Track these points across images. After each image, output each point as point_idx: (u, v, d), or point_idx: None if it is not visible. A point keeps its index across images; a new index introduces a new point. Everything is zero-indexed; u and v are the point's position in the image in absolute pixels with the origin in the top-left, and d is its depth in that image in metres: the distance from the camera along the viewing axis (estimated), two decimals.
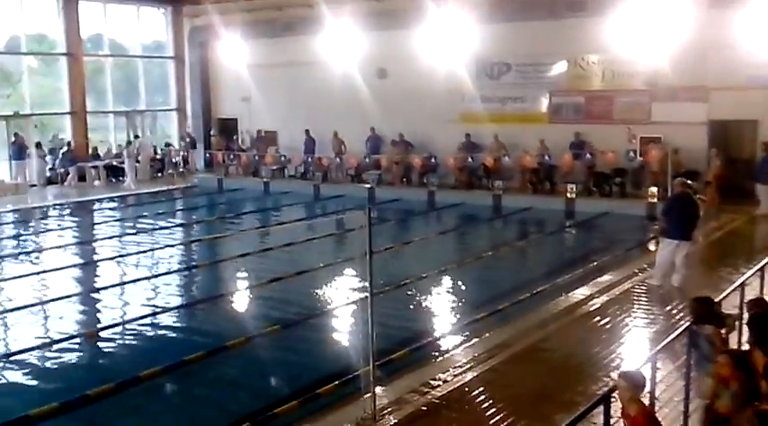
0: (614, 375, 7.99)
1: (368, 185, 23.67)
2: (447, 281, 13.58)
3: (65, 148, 26.73)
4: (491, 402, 7.70)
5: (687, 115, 20.35)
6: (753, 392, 5.79)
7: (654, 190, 19.01)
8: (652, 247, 14.95)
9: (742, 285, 8.19)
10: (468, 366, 8.75)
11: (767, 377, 5.91)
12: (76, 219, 21.58)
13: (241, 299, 13.23)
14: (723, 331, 7.26)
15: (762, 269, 9.06)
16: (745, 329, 7.47)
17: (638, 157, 20.74)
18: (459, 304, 12.20)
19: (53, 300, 12.67)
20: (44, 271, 14.76)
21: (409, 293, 12.58)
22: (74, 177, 26.18)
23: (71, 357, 10.41)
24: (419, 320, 11.37)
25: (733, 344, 7.64)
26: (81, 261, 16.03)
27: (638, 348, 9.33)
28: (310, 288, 12.97)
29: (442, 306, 12.23)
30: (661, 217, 12.14)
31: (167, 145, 30.27)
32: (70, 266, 15.30)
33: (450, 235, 19.28)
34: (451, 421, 7.31)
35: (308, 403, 7.99)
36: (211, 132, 29.69)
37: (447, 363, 8.93)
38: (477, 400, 7.80)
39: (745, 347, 7.30)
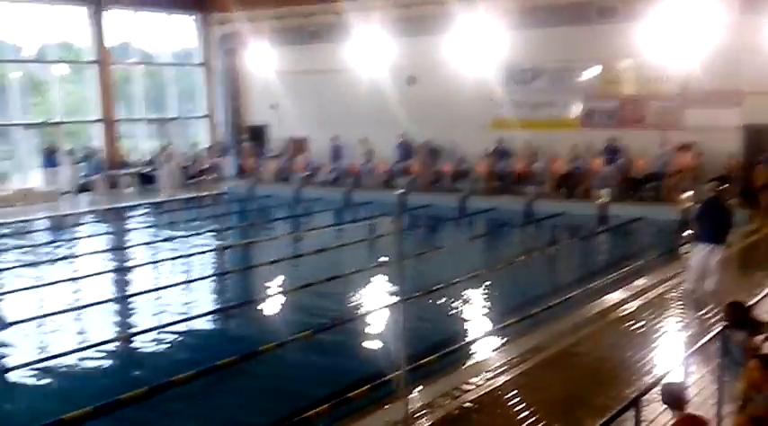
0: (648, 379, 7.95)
1: (399, 191, 23.67)
2: (478, 286, 13.54)
3: (96, 156, 27.07)
4: (523, 406, 7.68)
5: (720, 120, 20.14)
6: None
7: (688, 194, 18.81)
8: (685, 252, 14.82)
9: None
10: (500, 370, 8.74)
11: None
12: (109, 226, 21.87)
13: (273, 304, 13.30)
14: (760, 337, 7.18)
15: None
16: None
17: (671, 162, 20.52)
18: (491, 309, 12.18)
19: (87, 306, 12.82)
20: (78, 278, 14.98)
21: (441, 298, 12.57)
22: (105, 184, 26.51)
23: (104, 361, 10.53)
24: (451, 324, 11.37)
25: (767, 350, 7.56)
26: (114, 266, 16.21)
27: (670, 352, 9.25)
28: (342, 294, 13.02)
29: (473, 310, 12.21)
30: (693, 222, 12.03)
31: (198, 153, 30.55)
32: (104, 272, 15.49)
33: (482, 240, 19.28)
34: (484, 425, 7.28)
35: (340, 407, 8.02)
36: (243, 139, 29.84)
37: (479, 367, 8.93)
38: (509, 404, 7.78)
39: None
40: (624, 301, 11.48)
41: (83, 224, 21.96)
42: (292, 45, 27.95)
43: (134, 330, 11.65)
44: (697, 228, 11.77)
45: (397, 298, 7.42)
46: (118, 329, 11.78)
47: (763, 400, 5.25)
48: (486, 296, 13.07)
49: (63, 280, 14.61)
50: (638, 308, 11.09)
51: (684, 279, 12.16)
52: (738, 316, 6.79)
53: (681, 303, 11.34)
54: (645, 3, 20.47)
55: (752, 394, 5.87)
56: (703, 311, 10.76)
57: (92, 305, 12.83)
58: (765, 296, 8.01)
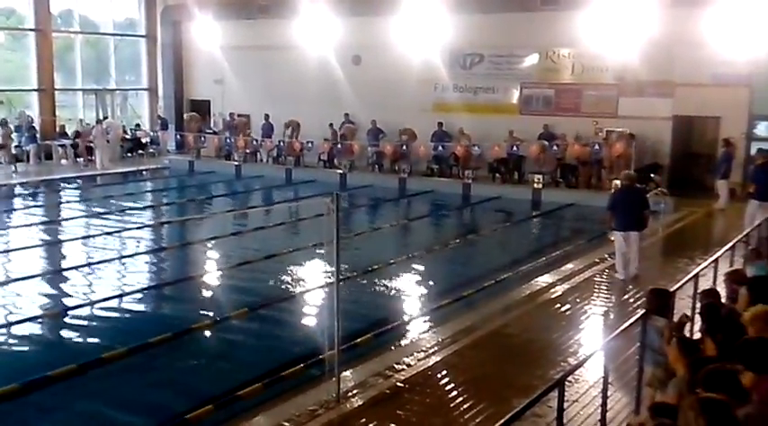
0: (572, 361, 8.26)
1: (340, 171, 23.83)
2: (414, 268, 13.77)
3: (31, 125, 26.42)
4: (453, 385, 7.93)
5: (653, 110, 20.71)
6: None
7: (617, 182, 19.32)
8: (612, 238, 15.31)
9: (696, 276, 8.49)
10: (432, 350, 8.96)
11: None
12: (43, 198, 21.45)
13: (209, 282, 13.28)
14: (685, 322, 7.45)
15: (716, 261, 9.38)
16: (698, 319, 7.74)
17: (603, 150, 21.00)
18: (426, 290, 12.41)
19: (16, 280, 12.65)
20: (8, 251, 14.73)
21: (377, 279, 12.74)
22: (37, 155, 25.90)
23: (34, 337, 10.45)
24: (385, 305, 11.57)
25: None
26: (47, 240, 15.97)
27: (594, 334, 9.62)
28: (278, 273, 13.08)
29: (408, 291, 12.42)
30: (606, 212, 12.44)
31: (137, 126, 30.10)
32: (36, 246, 15.26)
33: (420, 222, 19.53)
34: (414, 404, 7.49)
35: (273, 386, 8.11)
36: (188, 113, 29.23)
37: (411, 348, 9.13)
38: (440, 383, 8.02)
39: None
40: (553, 284, 11.84)
41: (15, 195, 21.48)
42: (238, 20, 27.68)
43: (65, 306, 11.50)
44: (611, 217, 12.17)
45: (333, 278, 7.54)
46: (49, 305, 11.61)
47: (673, 387, 5.50)
48: (421, 277, 13.28)
49: None
50: (565, 292, 11.45)
51: (611, 268, 12.56)
52: (660, 303, 7.02)
53: (607, 287, 11.73)
54: None
55: (668, 378, 6.14)
56: (628, 295, 11.20)
57: (21, 279, 12.64)
58: (687, 282, 8.34)
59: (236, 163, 25.90)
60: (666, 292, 7.28)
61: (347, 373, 8.03)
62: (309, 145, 25.28)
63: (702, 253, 12.91)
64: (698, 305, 7.86)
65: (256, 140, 26.64)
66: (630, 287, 11.55)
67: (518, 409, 4.95)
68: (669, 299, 7.26)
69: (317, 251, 13.50)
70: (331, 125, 25.24)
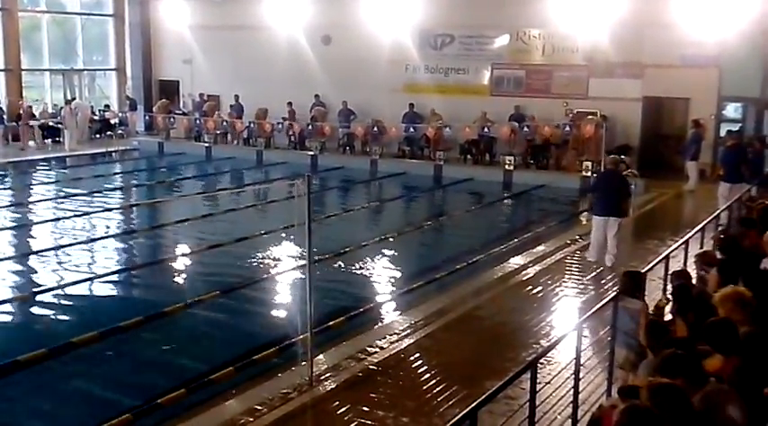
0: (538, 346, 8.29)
1: (311, 152, 23.72)
2: (386, 250, 13.74)
3: None
4: (425, 368, 7.95)
5: (623, 91, 20.82)
6: None
7: (587, 164, 19.48)
8: (584, 220, 15.44)
9: (667, 257, 8.56)
10: (405, 333, 8.98)
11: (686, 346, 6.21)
12: (11, 181, 21.11)
13: (180, 265, 13.18)
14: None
15: (686, 242, 9.46)
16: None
17: (573, 131, 21.07)
18: (398, 272, 12.40)
19: None
20: None
21: (349, 261, 12.72)
22: (5, 136, 25.44)
23: (3, 321, 10.34)
24: (358, 288, 11.54)
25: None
26: (15, 223, 15.72)
27: (567, 316, 9.67)
28: (250, 255, 13.01)
29: (380, 274, 12.41)
30: (589, 194, 12.37)
31: (106, 106, 29.67)
32: (4, 228, 15.05)
33: (391, 204, 19.52)
34: (387, 387, 7.51)
35: (246, 370, 8.08)
36: (157, 102, 28.57)
37: (384, 330, 9.14)
38: (413, 366, 8.04)
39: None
40: (525, 266, 11.89)
41: None
42: None
43: (34, 289, 11.33)
44: (592, 200, 12.09)
45: (305, 261, 7.49)
46: (17, 288, 11.48)
47: (643, 369, 5.54)
48: (393, 259, 13.27)
49: None
50: (537, 273, 11.51)
51: (584, 248, 12.62)
52: (633, 285, 7.05)
53: (579, 269, 11.79)
54: None
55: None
56: (600, 277, 11.26)
57: None
58: (658, 263, 8.41)
59: (207, 144, 25.65)
60: (640, 274, 7.31)
61: (320, 356, 8.02)
62: (279, 126, 25.09)
63: (672, 235, 13.03)
64: (669, 286, 7.94)
65: (226, 121, 26.37)
66: (602, 269, 11.61)
67: (491, 391, 4.96)
68: (642, 281, 7.31)
69: (289, 233, 13.44)
70: (290, 103, 25.09)
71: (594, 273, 11.48)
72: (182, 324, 9.96)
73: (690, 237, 9.68)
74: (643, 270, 7.68)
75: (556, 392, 6.92)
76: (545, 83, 22.28)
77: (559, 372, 7.39)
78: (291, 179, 7.33)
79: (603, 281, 11.04)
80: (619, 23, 20.14)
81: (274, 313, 10.53)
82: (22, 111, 25.90)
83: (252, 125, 25.63)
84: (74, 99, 27.83)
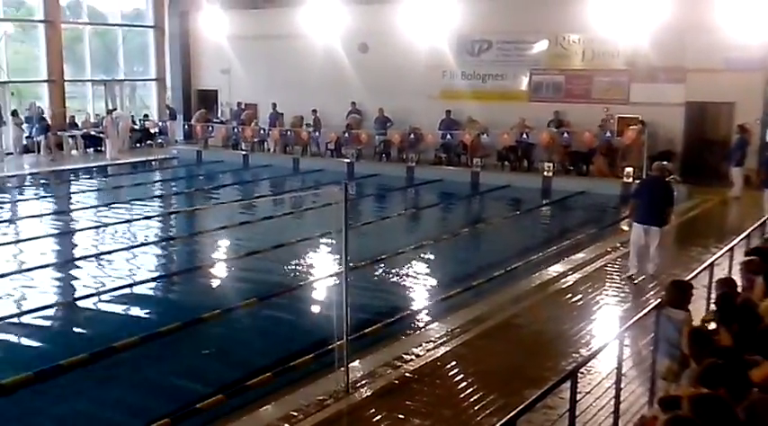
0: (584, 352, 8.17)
1: (347, 160, 23.75)
2: (423, 257, 13.67)
3: (42, 116, 26.42)
4: (462, 376, 7.84)
5: (665, 96, 20.48)
6: None
7: (629, 170, 19.21)
8: (625, 227, 15.16)
9: (711, 265, 8.36)
10: (441, 341, 8.87)
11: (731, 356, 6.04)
12: (54, 189, 21.46)
13: (218, 272, 13.26)
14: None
15: (731, 249, 9.24)
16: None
17: (616, 137, 20.82)
18: (435, 279, 12.30)
19: (29, 270, 12.66)
20: (20, 241, 14.74)
21: (385, 268, 12.66)
22: (48, 146, 25.91)
23: (46, 326, 10.46)
24: (394, 295, 11.48)
25: None
26: (58, 231, 15.95)
27: (607, 325, 9.49)
28: (287, 262, 13.02)
29: (417, 281, 12.32)
30: (631, 200, 12.06)
31: (146, 116, 30.08)
32: (47, 236, 15.26)
33: (428, 211, 19.45)
34: (423, 395, 7.41)
35: (282, 376, 8.06)
36: (196, 113, 28.78)
37: (420, 338, 9.04)
38: (449, 374, 7.93)
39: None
40: (564, 274, 11.69)
41: (26, 186, 21.52)
42: (244, 9, 27.62)
43: (76, 295, 11.50)
44: (633, 207, 11.72)
45: (342, 268, 7.46)
46: (60, 294, 11.66)
47: (686, 380, 5.40)
48: (430, 266, 13.19)
49: (4, 244, 14.38)
50: (576, 281, 11.30)
51: (624, 257, 12.32)
52: (681, 296, 6.85)
53: (618, 277, 11.56)
54: None
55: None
56: (641, 285, 11.03)
57: (34, 269, 12.66)
58: (702, 271, 8.21)
59: (244, 152, 25.84)
60: (688, 284, 7.08)
61: (356, 363, 7.95)
62: (316, 134, 25.18)
63: (717, 242, 12.75)
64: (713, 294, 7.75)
65: (264, 129, 26.54)
66: (643, 277, 11.37)
67: (530, 400, 4.86)
68: (689, 292, 7.08)
69: (326, 240, 13.44)
70: (314, 111, 25.24)
71: (636, 281, 11.26)
72: (219, 331, 9.98)
73: (735, 244, 9.44)
74: (686, 278, 7.51)
75: (596, 402, 6.78)
76: (585, 88, 22.03)
77: (600, 382, 7.24)
78: (329, 186, 7.29)
79: (645, 290, 10.81)
80: (660, 27, 19.84)
81: (311, 319, 10.51)
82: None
83: (289, 133, 25.75)
84: (115, 109, 28.26)
